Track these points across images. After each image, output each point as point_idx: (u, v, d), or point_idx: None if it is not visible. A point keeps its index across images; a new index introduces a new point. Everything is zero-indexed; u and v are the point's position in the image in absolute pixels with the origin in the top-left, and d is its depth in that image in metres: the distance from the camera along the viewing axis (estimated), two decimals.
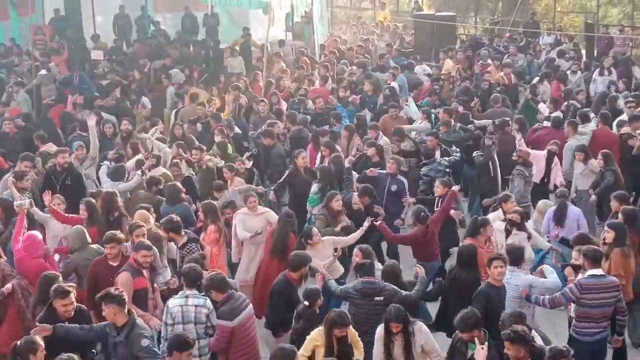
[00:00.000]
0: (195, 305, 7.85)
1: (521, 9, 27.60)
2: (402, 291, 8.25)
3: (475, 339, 7.10)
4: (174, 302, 7.93)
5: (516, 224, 9.96)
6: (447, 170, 12.56)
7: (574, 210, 10.82)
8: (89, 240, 9.43)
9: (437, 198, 11.23)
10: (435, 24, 23.33)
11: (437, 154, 12.94)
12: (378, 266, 9.06)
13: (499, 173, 12.64)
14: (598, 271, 8.16)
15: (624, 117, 14.21)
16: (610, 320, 8.31)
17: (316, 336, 7.41)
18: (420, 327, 7.55)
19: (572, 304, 8.31)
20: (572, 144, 13.04)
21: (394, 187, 11.66)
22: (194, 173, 12.69)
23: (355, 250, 9.05)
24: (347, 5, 34.33)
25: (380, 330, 7.53)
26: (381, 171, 11.96)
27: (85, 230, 9.50)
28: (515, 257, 8.53)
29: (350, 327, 7.44)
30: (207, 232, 10.11)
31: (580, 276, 8.27)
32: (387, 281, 8.33)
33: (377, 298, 8.10)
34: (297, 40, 23.57)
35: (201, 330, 7.84)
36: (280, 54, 21.33)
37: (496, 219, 10.32)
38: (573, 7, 31.53)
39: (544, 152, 12.76)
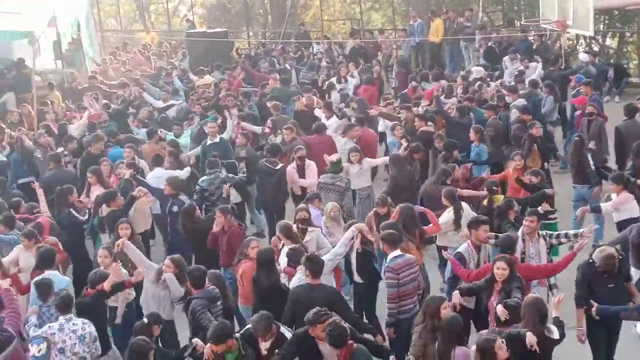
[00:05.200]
0: None
1: (290, 21, 28.35)
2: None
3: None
4: None
5: (306, 221, 10.31)
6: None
7: None
8: None
9: None
10: (209, 41, 23.45)
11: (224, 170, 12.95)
12: None
13: None
14: (397, 252, 8.89)
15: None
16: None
17: None
18: None
19: None
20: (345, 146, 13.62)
21: (175, 208, 11.74)
22: None
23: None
24: (117, 28, 33.64)
25: None
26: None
27: None
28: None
29: None
30: None
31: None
32: None
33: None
34: (68, 68, 22.81)
35: None
36: (53, 84, 20.56)
37: None
38: (339, 14, 32.81)
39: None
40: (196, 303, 8.33)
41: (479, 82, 17.01)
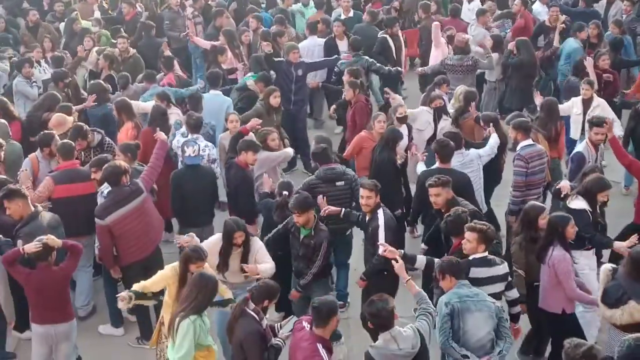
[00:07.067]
0: None
1: None
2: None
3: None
4: None
5: (442, 109, 10.41)
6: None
7: None
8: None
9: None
10: None
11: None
12: None
13: None
14: (529, 141, 8.88)
15: None
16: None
17: (169, 273, 6.98)
18: (255, 240, 7.60)
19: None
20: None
21: (299, 72, 11.97)
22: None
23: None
24: None
25: (217, 238, 7.56)
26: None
27: None
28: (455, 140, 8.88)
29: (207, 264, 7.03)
30: (123, 129, 9.95)
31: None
32: None
33: (338, 183, 8.48)
34: None
35: None
36: None
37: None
38: None
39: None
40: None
41: None
